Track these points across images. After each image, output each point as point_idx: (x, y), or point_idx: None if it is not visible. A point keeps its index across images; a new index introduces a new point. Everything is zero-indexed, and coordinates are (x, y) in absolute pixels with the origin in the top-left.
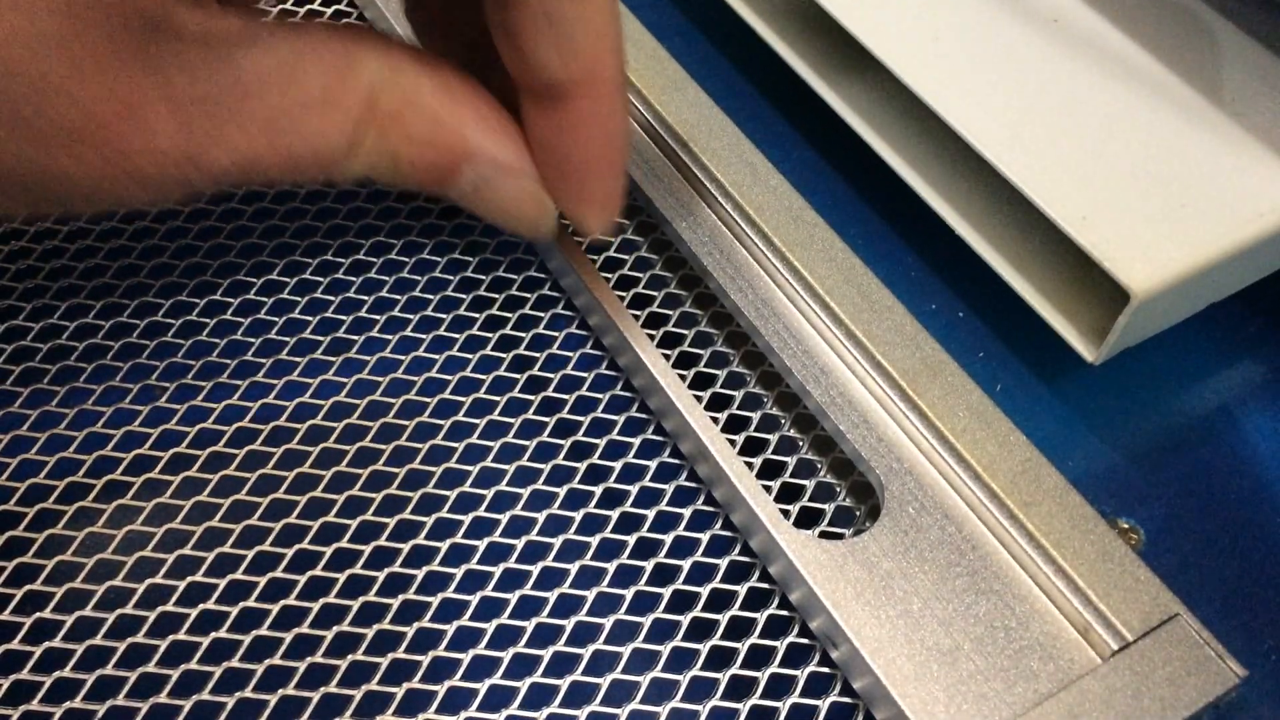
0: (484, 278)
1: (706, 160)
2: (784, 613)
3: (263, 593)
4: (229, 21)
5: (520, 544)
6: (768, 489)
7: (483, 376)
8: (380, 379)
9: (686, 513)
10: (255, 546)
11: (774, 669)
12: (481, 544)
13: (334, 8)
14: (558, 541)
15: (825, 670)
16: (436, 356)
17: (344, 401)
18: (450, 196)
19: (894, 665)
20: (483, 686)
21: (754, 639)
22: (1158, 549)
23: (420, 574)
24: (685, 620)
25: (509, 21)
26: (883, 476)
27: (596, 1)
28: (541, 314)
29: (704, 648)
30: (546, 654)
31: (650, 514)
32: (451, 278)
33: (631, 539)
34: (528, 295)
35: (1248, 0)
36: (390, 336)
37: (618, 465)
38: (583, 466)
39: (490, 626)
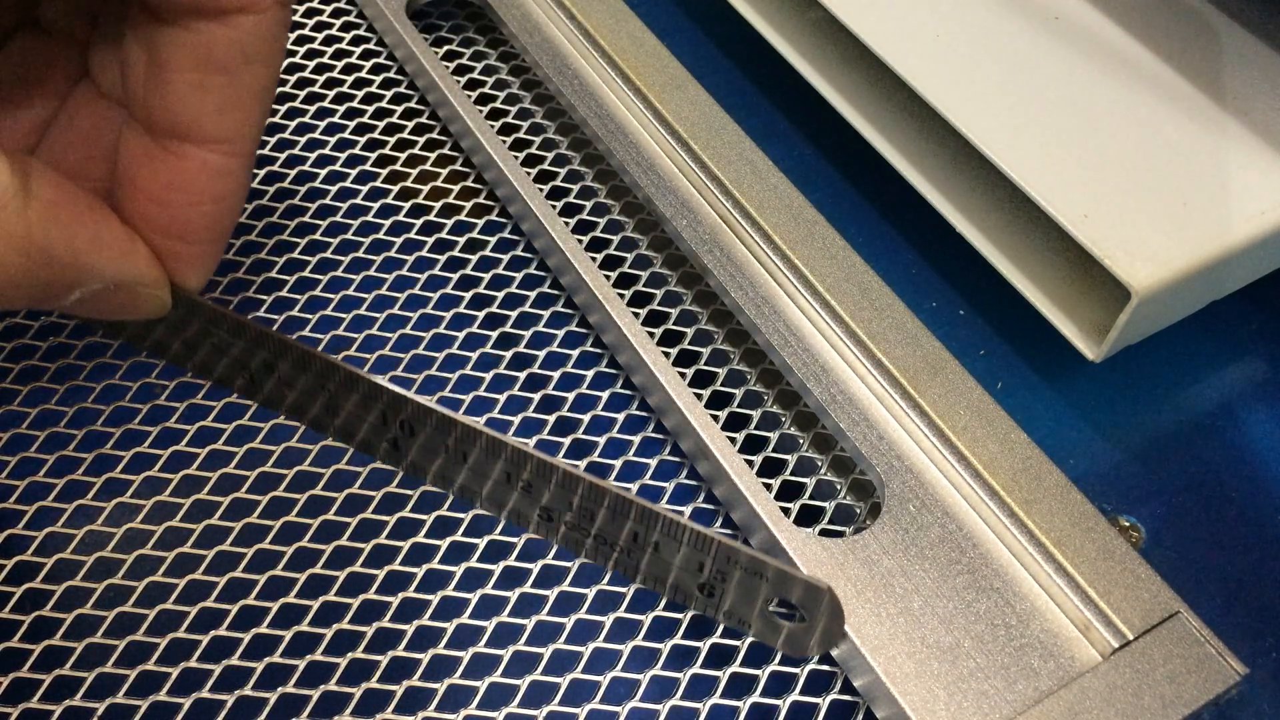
0: (484, 275)
1: (706, 158)
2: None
3: (262, 591)
4: None
5: (520, 541)
6: (768, 487)
7: (483, 374)
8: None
9: (687, 510)
10: (255, 544)
11: (774, 667)
12: (481, 542)
13: (333, 5)
14: None
15: (826, 668)
16: (436, 355)
17: None
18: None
19: (894, 663)
20: (482, 684)
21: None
22: (1158, 547)
23: (420, 572)
24: (685, 618)
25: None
26: (883, 474)
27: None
28: (541, 311)
29: (704, 645)
30: (547, 651)
31: None
32: (451, 275)
33: None
34: (527, 293)
35: None
36: (390, 334)
37: (618, 463)
38: (583, 464)
39: (490, 624)
